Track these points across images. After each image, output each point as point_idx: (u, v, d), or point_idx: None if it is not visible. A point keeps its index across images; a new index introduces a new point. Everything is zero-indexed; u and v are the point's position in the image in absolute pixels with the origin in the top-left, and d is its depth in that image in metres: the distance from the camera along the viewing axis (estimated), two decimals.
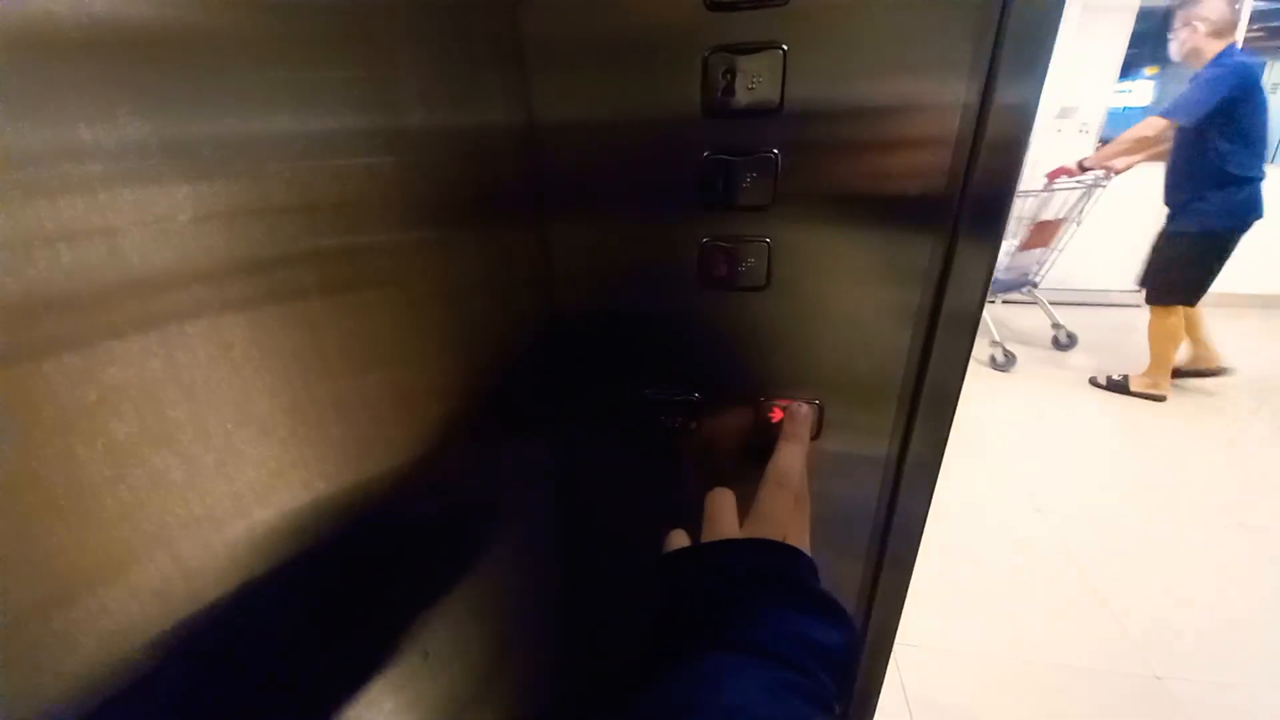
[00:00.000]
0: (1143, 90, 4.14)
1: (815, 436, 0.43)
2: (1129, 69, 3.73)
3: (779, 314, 0.40)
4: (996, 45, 0.31)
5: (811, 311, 0.40)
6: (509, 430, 0.45)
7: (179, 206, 0.21)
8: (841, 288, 0.39)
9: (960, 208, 0.35)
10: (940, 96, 0.33)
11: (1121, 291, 3.74)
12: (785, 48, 0.32)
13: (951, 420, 0.42)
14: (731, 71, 0.33)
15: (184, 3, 0.20)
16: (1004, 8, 0.30)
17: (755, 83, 0.33)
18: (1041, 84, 0.31)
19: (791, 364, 0.42)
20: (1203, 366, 2.82)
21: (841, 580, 0.50)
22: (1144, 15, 3.57)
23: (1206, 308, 2.68)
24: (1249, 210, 2.33)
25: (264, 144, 0.24)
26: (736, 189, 0.36)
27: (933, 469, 0.44)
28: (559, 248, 0.42)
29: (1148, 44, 3.78)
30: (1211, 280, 2.47)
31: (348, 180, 0.27)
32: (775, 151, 0.35)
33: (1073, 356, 3.12)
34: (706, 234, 0.38)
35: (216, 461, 0.24)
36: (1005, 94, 0.31)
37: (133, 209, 0.19)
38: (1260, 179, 2.30)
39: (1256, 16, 3.59)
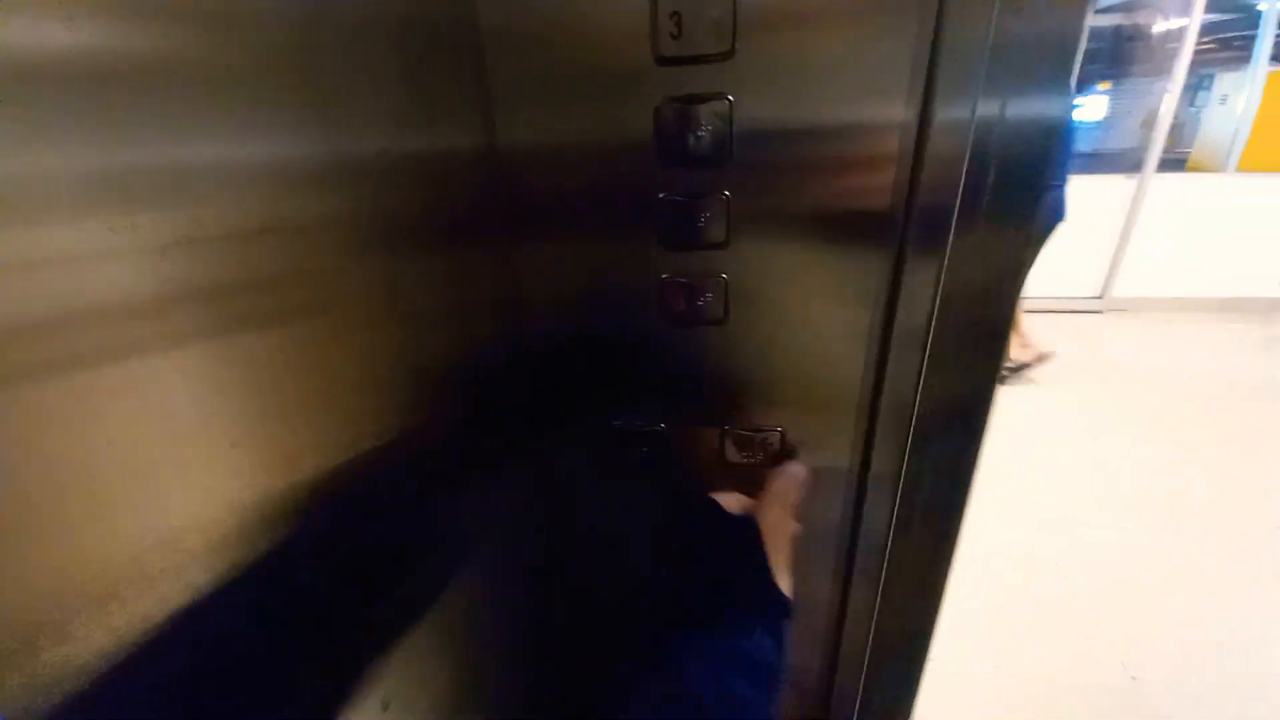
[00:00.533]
0: (1096, 105, 4.32)
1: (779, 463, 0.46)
2: (1082, 85, 3.89)
3: (739, 346, 0.42)
4: (930, 78, 0.33)
5: (770, 342, 0.42)
6: (476, 464, 0.46)
7: (141, 234, 0.22)
8: (798, 316, 0.41)
9: (905, 228, 0.37)
10: (880, 134, 0.35)
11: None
12: (731, 99, 0.35)
13: (913, 432, 0.44)
14: (682, 120, 0.35)
15: (145, 29, 0.21)
16: (936, 34, 0.33)
17: (705, 131, 0.35)
18: (977, 100, 0.33)
19: (753, 393, 0.44)
20: (1026, 359, 3.15)
21: (812, 597, 0.51)
22: (1095, 34, 3.72)
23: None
24: (1058, 213, 2.67)
25: (228, 173, 0.25)
26: (692, 229, 0.38)
27: (894, 481, 0.46)
28: (525, 284, 0.43)
29: (1100, 61, 3.94)
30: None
31: (311, 209, 0.29)
32: (727, 194, 0.37)
33: None
34: (666, 270, 0.40)
35: (175, 503, 0.25)
36: (943, 120, 0.34)
37: (88, 238, 0.21)
38: (1064, 184, 2.64)
39: (1207, 28, 3.76)
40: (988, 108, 0.33)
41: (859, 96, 0.35)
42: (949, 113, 0.34)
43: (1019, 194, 0.35)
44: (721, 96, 0.35)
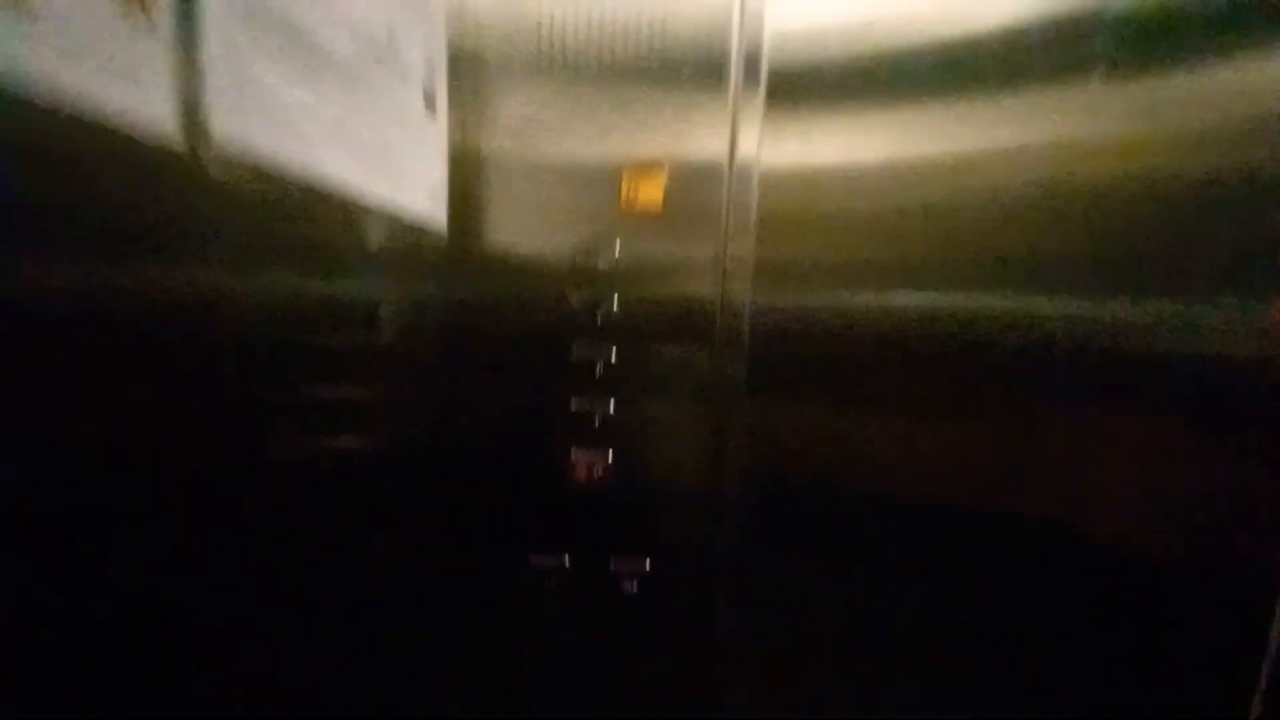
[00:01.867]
0: None
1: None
2: None
3: (620, 496, 0.63)
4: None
5: (647, 484, 0.64)
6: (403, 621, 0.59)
7: None
8: (666, 461, 0.63)
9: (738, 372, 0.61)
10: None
11: None
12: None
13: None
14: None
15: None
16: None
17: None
18: None
19: (628, 527, 0.64)
20: None
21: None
22: None
23: None
24: None
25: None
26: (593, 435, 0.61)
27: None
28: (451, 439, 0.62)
29: None
30: None
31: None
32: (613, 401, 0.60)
33: None
34: (572, 443, 0.62)
35: None
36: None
37: None
38: None
39: None
40: None
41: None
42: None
43: None
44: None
